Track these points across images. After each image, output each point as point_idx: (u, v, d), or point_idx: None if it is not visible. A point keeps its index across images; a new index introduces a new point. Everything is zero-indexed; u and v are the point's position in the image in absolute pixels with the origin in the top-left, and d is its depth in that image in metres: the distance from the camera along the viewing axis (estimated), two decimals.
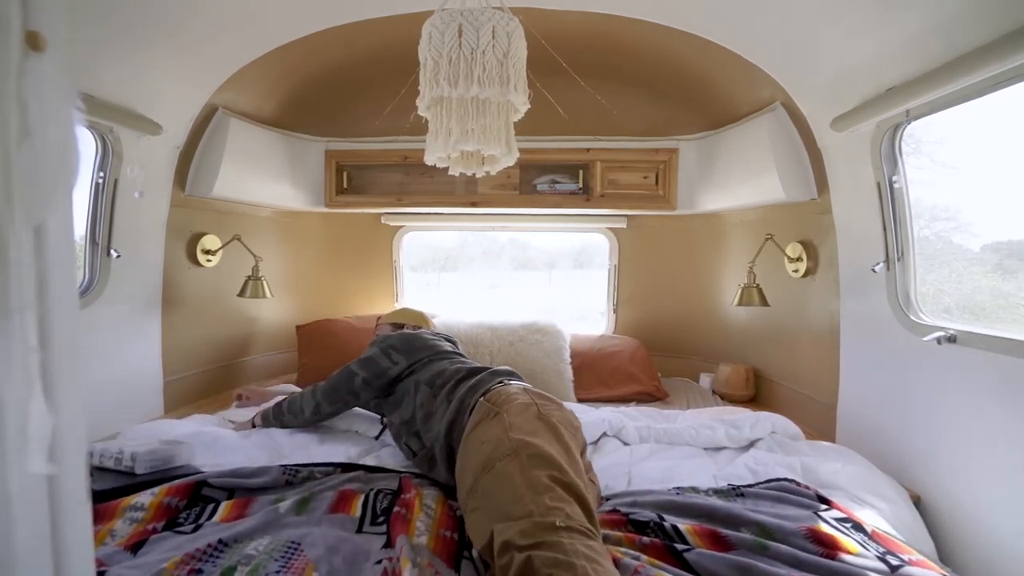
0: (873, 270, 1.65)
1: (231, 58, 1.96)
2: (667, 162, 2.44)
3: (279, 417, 1.75)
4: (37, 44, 0.35)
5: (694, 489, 1.33)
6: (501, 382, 1.44)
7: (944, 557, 1.35)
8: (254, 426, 1.77)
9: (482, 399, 1.36)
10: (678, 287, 2.75)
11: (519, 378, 1.53)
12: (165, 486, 1.24)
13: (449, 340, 1.85)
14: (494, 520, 1.02)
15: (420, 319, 2.04)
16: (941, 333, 1.42)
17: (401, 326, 1.99)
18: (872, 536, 1.13)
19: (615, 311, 2.86)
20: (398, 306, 2.91)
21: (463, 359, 1.71)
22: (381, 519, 1.17)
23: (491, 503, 1.08)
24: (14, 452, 0.33)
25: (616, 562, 1.01)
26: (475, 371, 1.54)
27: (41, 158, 0.35)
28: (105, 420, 1.75)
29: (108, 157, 1.76)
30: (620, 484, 1.44)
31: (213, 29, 1.77)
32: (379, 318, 2.09)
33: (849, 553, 1.05)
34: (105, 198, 1.79)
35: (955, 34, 1.22)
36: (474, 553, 1.10)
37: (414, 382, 1.58)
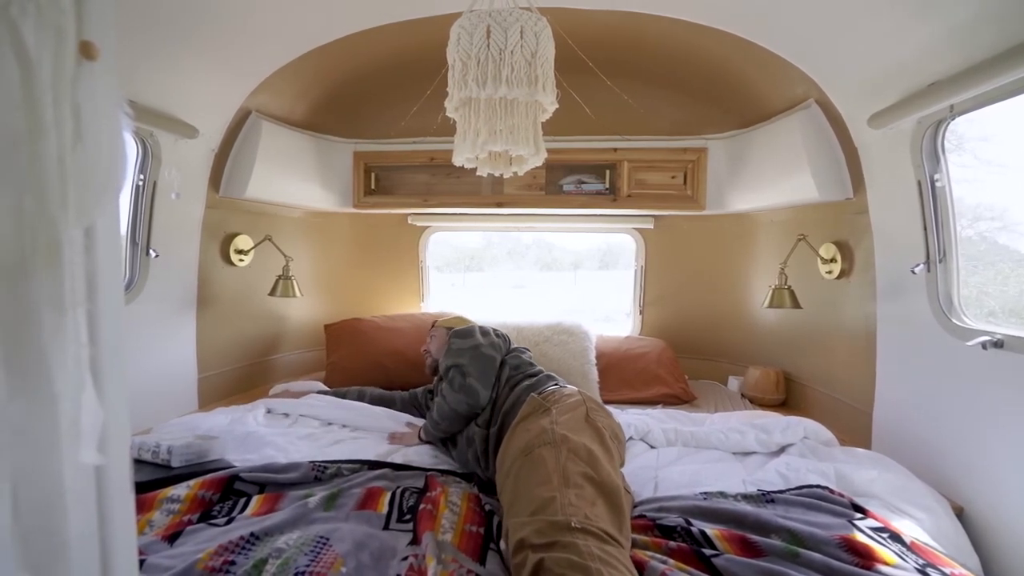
0: (912, 272, 1.59)
1: (264, 63, 2.01)
2: (696, 161, 2.40)
3: (437, 428, 1.65)
4: (90, 53, 0.37)
5: (722, 494, 1.30)
6: (556, 384, 1.54)
7: (990, 572, 1.29)
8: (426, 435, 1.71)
9: (535, 395, 1.46)
10: (706, 288, 2.71)
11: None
12: (199, 479, 1.28)
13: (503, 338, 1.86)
14: (514, 506, 1.06)
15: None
16: (987, 337, 1.36)
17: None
18: (911, 547, 1.08)
19: (641, 312, 2.82)
20: (425, 306, 2.94)
21: (524, 357, 1.76)
22: (407, 516, 1.19)
23: (519, 485, 1.12)
24: (68, 443, 0.34)
25: (643, 565, 1.00)
26: (534, 373, 1.64)
27: (93, 162, 0.37)
28: (142, 414, 1.82)
29: (148, 160, 1.83)
30: (647, 488, 1.42)
31: (247, 36, 1.82)
32: (434, 322, 2.03)
33: (886, 564, 1.01)
34: (145, 200, 1.86)
35: (1009, 23, 1.16)
36: (501, 545, 1.11)
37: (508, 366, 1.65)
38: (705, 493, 1.31)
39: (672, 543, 1.09)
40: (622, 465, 1.34)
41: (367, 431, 1.81)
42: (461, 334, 1.73)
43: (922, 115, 1.46)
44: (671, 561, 1.02)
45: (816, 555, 1.03)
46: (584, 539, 0.92)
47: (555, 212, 2.60)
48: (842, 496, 1.28)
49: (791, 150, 1.98)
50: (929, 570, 1.01)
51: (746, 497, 1.29)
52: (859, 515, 1.19)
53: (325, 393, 2.09)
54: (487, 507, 1.26)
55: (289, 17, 1.82)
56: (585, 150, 2.43)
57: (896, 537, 1.11)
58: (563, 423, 1.27)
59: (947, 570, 1.01)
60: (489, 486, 1.42)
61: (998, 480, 1.36)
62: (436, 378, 1.90)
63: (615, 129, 2.40)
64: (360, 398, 2.06)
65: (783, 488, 1.35)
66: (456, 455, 1.61)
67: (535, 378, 1.59)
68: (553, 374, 1.67)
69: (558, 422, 1.28)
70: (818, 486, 1.33)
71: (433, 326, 1.99)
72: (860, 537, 1.09)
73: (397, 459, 1.57)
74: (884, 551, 1.04)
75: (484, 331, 1.75)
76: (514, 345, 1.81)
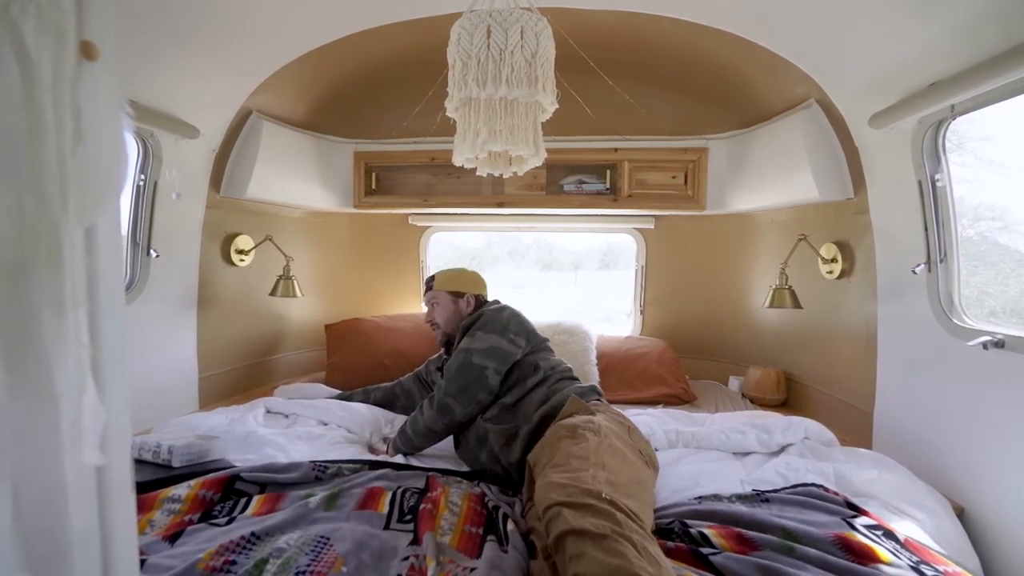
0: (913, 272, 1.59)
1: (264, 63, 2.01)
2: (696, 162, 2.40)
3: (409, 445, 1.60)
4: (91, 53, 0.37)
5: (716, 497, 1.30)
6: (600, 399, 1.54)
7: (990, 572, 1.29)
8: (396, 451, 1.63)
9: (577, 397, 1.46)
10: (707, 288, 2.71)
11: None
12: (200, 479, 1.28)
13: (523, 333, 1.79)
14: (553, 465, 1.09)
15: (481, 284, 1.87)
16: (988, 337, 1.36)
17: (460, 295, 1.80)
18: (905, 544, 1.08)
19: (642, 312, 2.82)
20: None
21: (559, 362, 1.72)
22: (408, 516, 1.19)
23: (557, 453, 1.15)
24: (69, 443, 0.34)
25: None
26: (572, 377, 1.64)
27: (93, 162, 0.37)
28: (143, 414, 1.82)
29: (149, 160, 1.83)
30: None
31: (248, 36, 1.82)
32: (430, 280, 1.86)
33: (880, 561, 1.01)
34: (146, 200, 1.86)
35: (1011, 22, 1.16)
36: (509, 526, 1.15)
37: (532, 365, 1.59)
38: (700, 497, 1.31)
39: (670, 543, 1.09)
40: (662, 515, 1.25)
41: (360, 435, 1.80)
42: (488, 325, 1.61)
43: (923, 115, 1.46)
44: (670, 563, 1.02)
45: (812, 550, 1.03)
46: (614, 510, 0.93)
47: (555, 212, 2.60)
48: (837, 495, 1.28)
49: (792, 150, 1.98)
50: (923, 567, 1.01)
51: (741, 498, 1.29)
52: (853, 513, 1.19)
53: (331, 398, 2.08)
54: (490, 503, 1.26)
55: (289, 17, 1.82)
56: (585, 150, 2.43)
57: (890, 535, 1.11)
58: (609, 430, 1.27)
59: (940, 567, 1.01)
60: (506, 479, 1.44)
61: (998, 480, 1.36)
62: (444, 349, 1.83)
63: (616, 129, 2.40)
64: (365, 400, 2.04)
65: (780, 487, 1.35)
66: (462, 452, 1.59)
67: (582, 386, 1.58)
68: (597, 385, 1.65)
69: (603, 427, 1.27)
70: (813, 484, 1.33)
71: (429, 288, 1.83)
72: (855, 535, 1.09)
73: (398, 459, 1.56)
74: (879, 549, 1.04)
75: (505, 325, 1.61)
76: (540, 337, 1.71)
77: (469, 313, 1.77)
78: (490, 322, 1.62)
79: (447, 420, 1.54)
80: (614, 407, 1.55)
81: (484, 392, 1.53)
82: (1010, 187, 1.68)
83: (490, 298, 1.88)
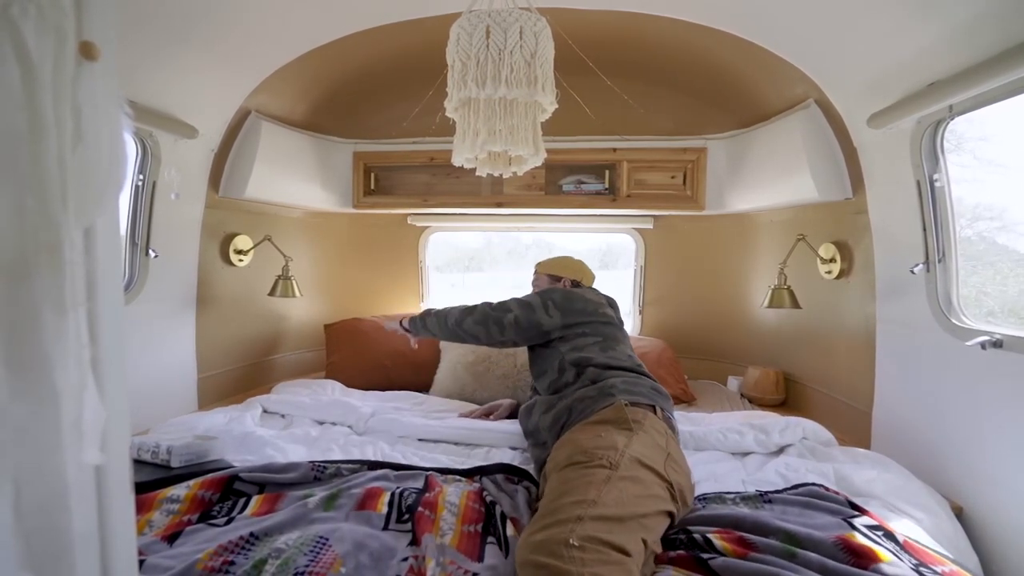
0: (912, 272, 1.59)
1: (264, 62, 2.01)
2: (695, 162, 2.40)
3: (423, 321, 1.78)
4: (91, 53, 0.37)
5: (719, 498, 1.30)
6: (653, 407, 1.39)
7: (989, 572, 1.29)
8: (405, 330, 1.84)
9: (626, 404, 1.34)
10: (706, 288, 2.71)
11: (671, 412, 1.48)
12: (199, 479, 1.28)
13: (611, 304, 1.78)
14: (539, 514, 1.05)
15: (581, 271, 1.97)
16: (986, 337, 1.36)
17: (559, 279, 1.93)
18: (904, 546, 1.09)
19: (641, 312, 2.83)
20: (425, 306, 2.94)
21: (622, 334, 1.68)
22: (406, 517, 1.19)
23: (558, 483, 1.11)
24: (69, 443, 0.34)
25: None
26: (639, 371, 1.53)
27: (93, 162, 0.37)
28: (142, 414, 1.82)
29: (148, 160, 1.83)
30: None
31: (248, 35, 1.82)
32: (538, 265, 2.02)
33: (881, 562, 1.02)
34: (145, 200, 1.86)
35: (1009, 22, 1.16)
36: (508, 530, 1.13)
37: (559, 356, 1.56)
38: (702, 497, 1.31)
39: (671, 552, 1.09)
40: (671, 526, 1.16)
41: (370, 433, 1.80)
42: (546, 291, 1.70)
43: (921, 115, 1.46)
44: (670, 570, 1.03)
45: (813, 555, 1.03)
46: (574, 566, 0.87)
47: (555, 212, 2.60)
48: (838, 494, 1.28)
49: (791, 150, 1.98)
50: (923, 569, 1.01)
51: (744, 499, 1.29)
52: (855, 513, 1.20)
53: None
54: (488, 499, 1.26)
55: (289, 17, 1.82)
56: (585, 150, 2.43)
57: (890, 536, 1.12)
58: (632, 460, 1.14)
59: (939, 568, 1.02)
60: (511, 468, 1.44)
61: (997, 480, 1.36)
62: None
63: (615, 129, 2.40)
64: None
65: (782, 487, 1.36)
66: (530, 424, 1.54)
67: (631, 377, 1.46)
68: (659, 386, 1.50)
69: (629, 452, 1.16)
70: (814, 484, 1.33)
71: (536, 274, 1.99)
72: (857, 537, 1.09)
73: (398, 459, 1.57)
74: (880, 550, 1.05)
75: (562, 295, 1.67)
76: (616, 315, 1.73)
77: None
78: (544, 291, 1.71)
79: (457, 320, 1.68)
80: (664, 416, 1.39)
81: (494, 325, 1.64)
82: (1009, 187, 1.69)
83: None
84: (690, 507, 1.23)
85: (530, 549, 0.93)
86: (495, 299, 1.73)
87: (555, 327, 1.62)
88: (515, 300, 1.68)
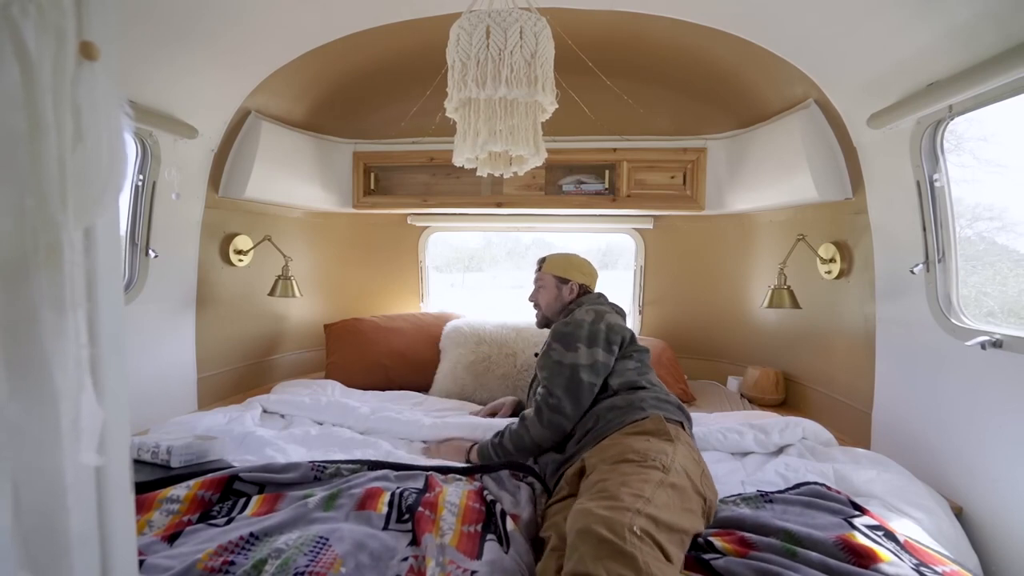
0: (911, 272, 1.60)
1: (264, 63, 2.01)
2: (695, 162, 2.40)
3: (503, 454, 1.53)
4: (91, 53, 0.37)
5: (721, 500, 1.30)
6: (682, 423, 1.42)
7: (989, 572, 1.29)
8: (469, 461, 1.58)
9: (661, 414, 1.38)
10: (705, 288, 2.71)
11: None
12: (199, 480, 1.28)
13: (623, 316, 1.75)
14: (596, 491, 1.06)
15: (588, 273, 1.85)
16: (985, 337, 1.36)
17: (566, 281, 1.80)
18: (904, 546, 1.09)
19: (641, 312, 2.83)
20: (424, 306, 2.94)
21: (648, 356, 1.65)
22: (406, 517, 1.19)
23: (614, 474, 1.12)
24: (68, 444, 0.34)
25: None
26: (670, 401, 1.50)
27: (93, 162, 0.37)
28: (142, 415, 1.82)
29: (147, 160, 1.83)
30: None
31: (248, 35, 1.82)
32: (541, 261, 1.86)
33: (882, 562, 1.02)
34: (144, 200, 1.86)
35: (1009, 23, 1.16)
36: (508, 525, 1.14)
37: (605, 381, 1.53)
38: None
39: None
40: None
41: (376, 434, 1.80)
42: (586, 326, 1.56)
43: (921, 115, 1.46)
44: None
45: (814, 554, 1.03)
46: (638, 554, 0.89)
47: (555, 212, 2.60)
48: (839, 493, 1.28)
49: (790, 150, 1.98)
50: (923, 569, 1.01)
51: (745, 499, 1.29)
52: (856, 512, 1.20)
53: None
54: (488, 497, 1.26)
55: (289, 17, 1.82)
56: (585, 150, 2.43)
57: (891, 536, 1.12)
58: (680, 468, 1.17)
59: (940, 568, 1.02)
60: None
61: (997, 480, 1.36)
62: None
63: (614, 129, 2.40)
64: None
65: (783, 488, 1.36)
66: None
67: (662, 394, 1.48)
68: (683, 405, 1.52)
69: (678, 460, 1.19)
70: (815, 483, 1.33)
71: (540, 268, 1.84)
72: (857, 537, 1.09)
73: (398, 458, 1.56)
74: (881, 551, 1.05)
75: (607, 329, 1.56)
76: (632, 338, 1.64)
77: (570, 301, 1.78)
78: (590, 330, 1.57)
79: (557, 436, 1.48)
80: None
81: (589, 399, 1.49)
82: (1008, 187, 1.69)
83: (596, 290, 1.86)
84: (711, 519, 1.22)
85: (594, 520, 0.95)
86: (543, 389, 1.53)
87: (612, 363, 1.56)
88: (583, 371, 1.50)
